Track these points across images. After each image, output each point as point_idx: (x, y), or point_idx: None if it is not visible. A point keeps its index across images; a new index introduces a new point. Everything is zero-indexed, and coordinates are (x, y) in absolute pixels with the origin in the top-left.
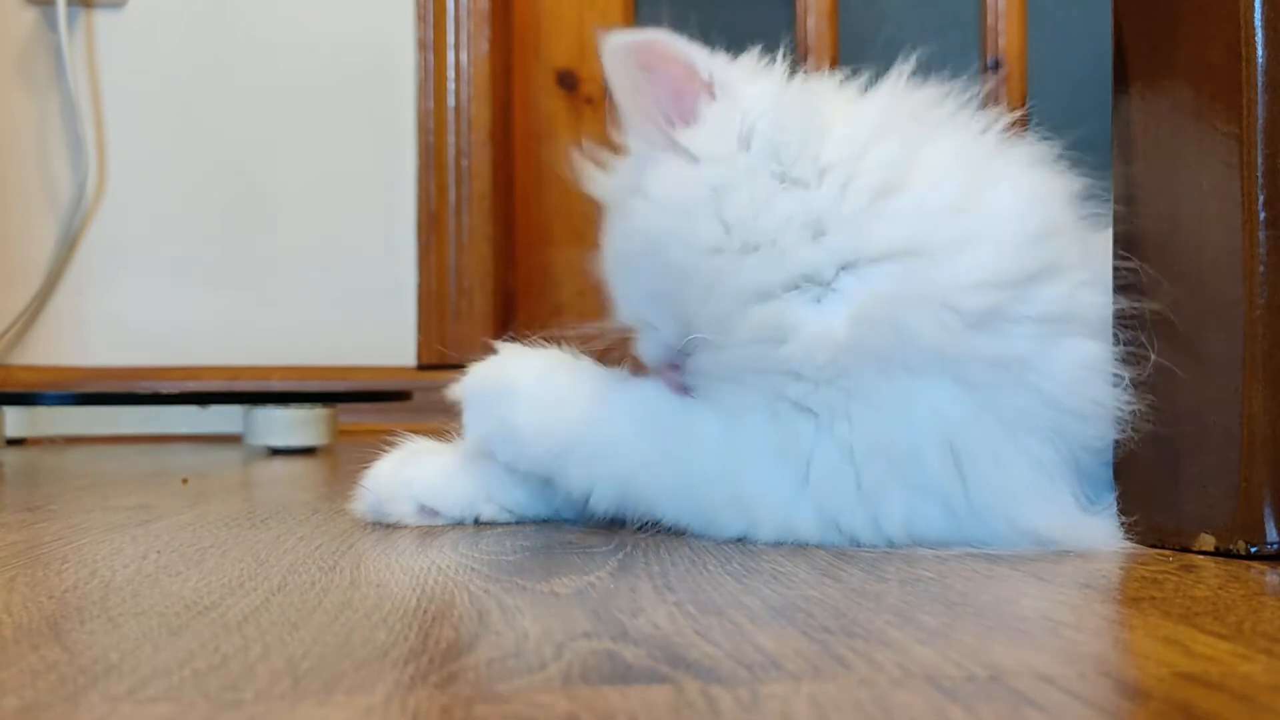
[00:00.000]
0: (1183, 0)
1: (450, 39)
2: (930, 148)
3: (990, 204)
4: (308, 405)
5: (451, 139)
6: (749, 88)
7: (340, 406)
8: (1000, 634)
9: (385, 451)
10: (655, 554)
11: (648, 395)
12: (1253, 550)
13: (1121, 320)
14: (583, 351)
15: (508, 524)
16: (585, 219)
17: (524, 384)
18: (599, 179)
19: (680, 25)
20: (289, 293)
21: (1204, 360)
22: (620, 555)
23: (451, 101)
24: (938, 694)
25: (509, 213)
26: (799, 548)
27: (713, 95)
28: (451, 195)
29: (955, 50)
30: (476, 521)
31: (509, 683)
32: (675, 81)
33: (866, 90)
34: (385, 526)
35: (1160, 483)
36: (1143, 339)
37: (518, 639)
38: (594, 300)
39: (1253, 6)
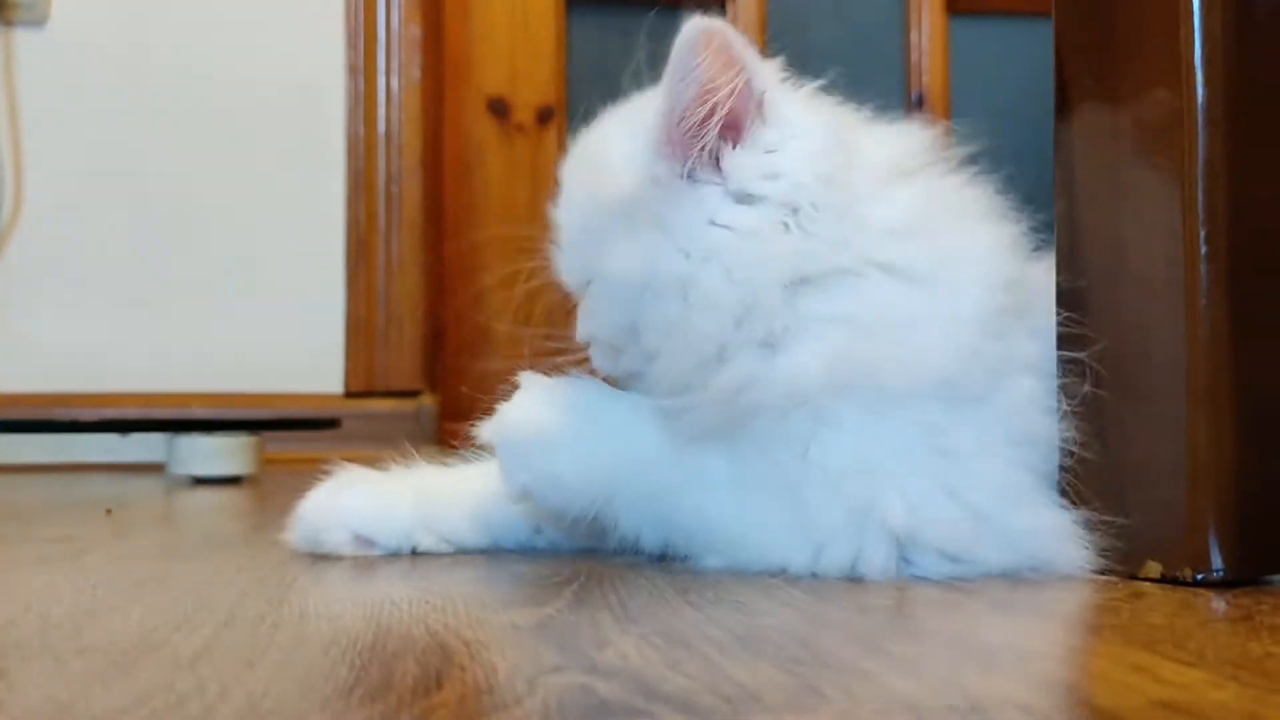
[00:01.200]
0: (1124, 40)
1: (381, 64)
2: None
3: (963, 275)
4: (233, 433)
5: (382, 164)
6: (796, 116)
7: (266, 434)
8: (971, 664)
9: (317, 480)
10: (610, 584)
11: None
12: (1198, 577)
13: (1065, 349)
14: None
15: (444, 554)
16: (515, 248)
17: (561, 430)
18: (615, 175)
19: (611, 54)
20: (213, 318)
21: (1148, 391)
22: (574, 586)
23: (382, 127)
24: None
25: (439, 241)
26: (750, 576)
27: (763, 116)
28: (381, 221)
29: (880, 86)
30: (414, 552)
31: (485, 718)
32: (739, 92)
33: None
34: (322, 557)
35: (1106, 511)
36: (1086, 369)
37: (485, 673)
38: (524, 333)
39: (1193, 46)
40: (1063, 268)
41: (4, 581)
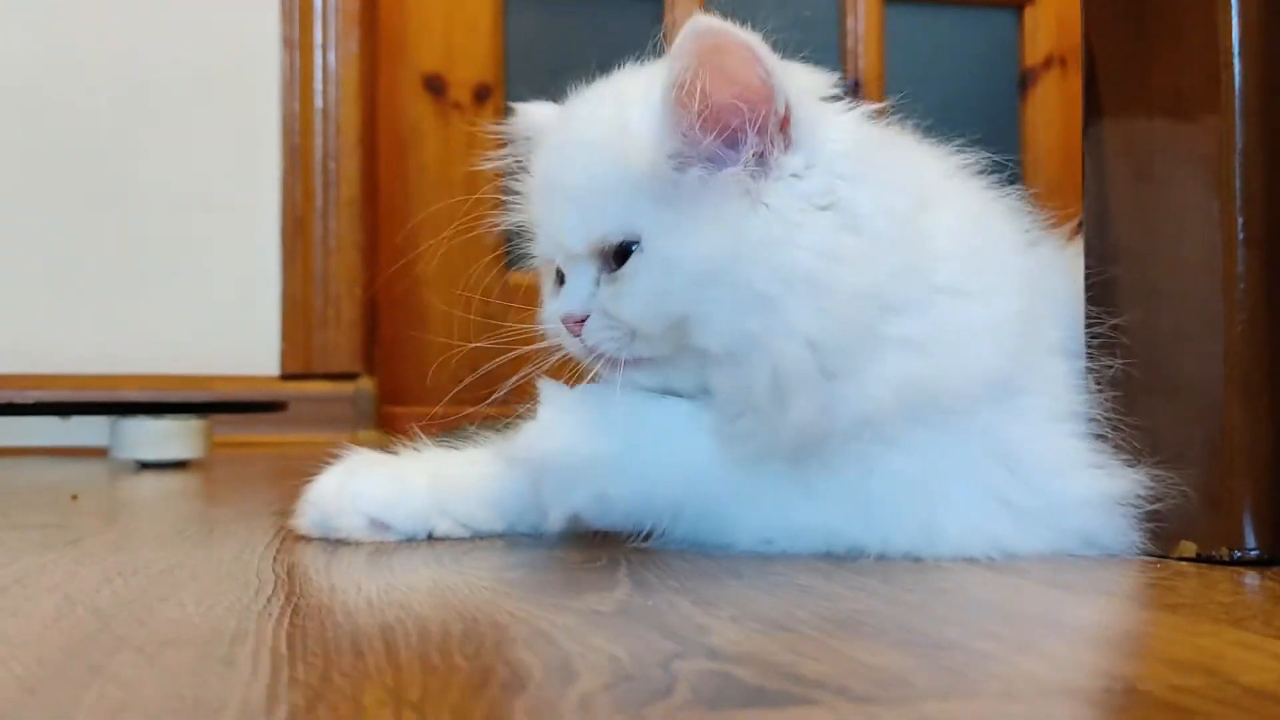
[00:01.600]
0: (1157, 27)
1: (317, 38)
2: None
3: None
4: (182, 416)
5: (319, 142)
6: (832, 137)
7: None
8: (1080, 644)
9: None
10: (656, 567)
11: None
12: (1235, 555)
13: (1094, 335)
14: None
15: (460, 539)
16: (456, 231)
17: (606, 449)
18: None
19: (549, 32)
20: (146, 300)
21: (1183, 375)
22: (622, 570)
23: (319, 103)
24: (1096, 709)
25: (375, 220)
26: (789, 559)
27: (787, 136)
28: (319, 200)
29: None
30: (429, 537)
31: (650, 708)
32: (752, 97)
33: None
34: (337, 542)
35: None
36: (1115, 351)
37: (609, 661)
38: (458, 314)
39: (1230, 33)
40: (1091, 254)
41: (20, 572)
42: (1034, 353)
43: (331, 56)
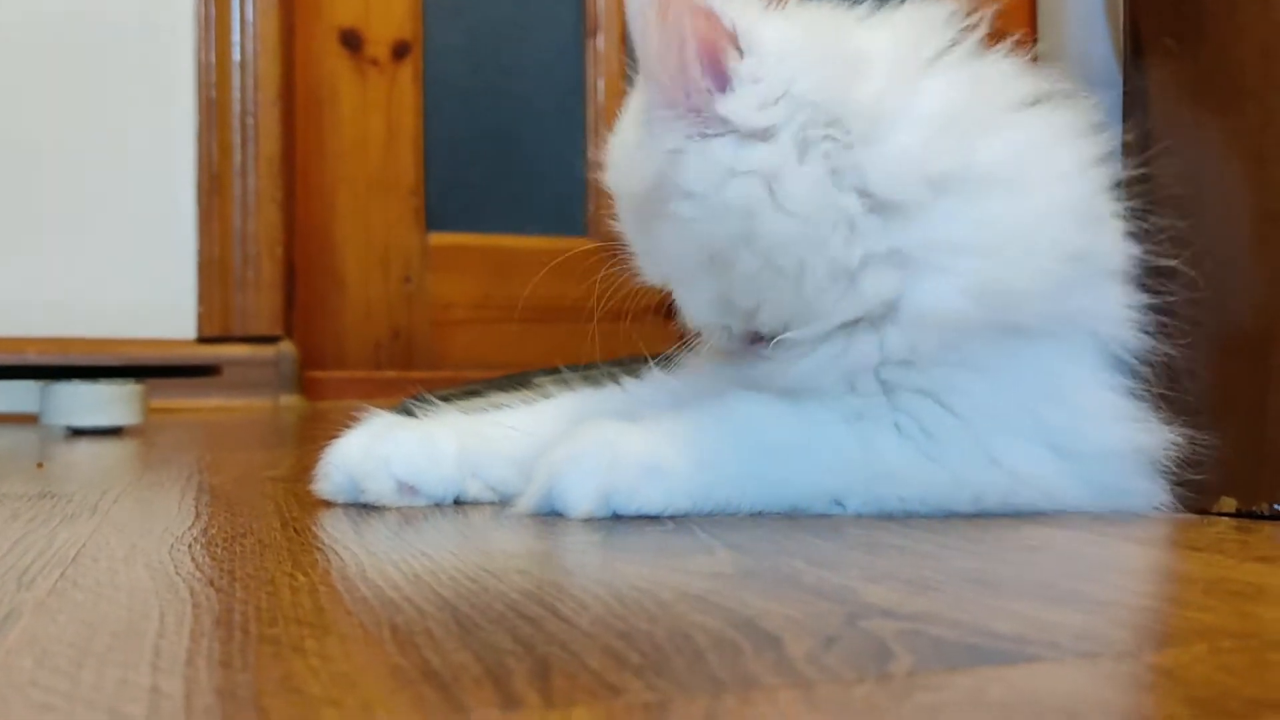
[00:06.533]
0: (1206, 3)
1: None
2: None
3: (1047, 166)
4: (119, 381)
5: (236, 95)
6: (773, 36)
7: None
8: (1221, 595)
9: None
10: (724, 529)
11: (756, 422)
12: (1277, 508)
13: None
14: None
15: (490, 503)
16: (370, 188)
17: (661, 463)
18: (621, 166)
19: None
20: (50, 258)
21: (1228, 335)
22: (695, 532)
23: (236, 55)
24: None
25: (292, 178)
26: (867, 520)
27: (739, 50)
28: (237, 156)
29: None
30: (457, 501)
31: (886, 667)
32: (703, 37)
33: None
34: (364, 506)
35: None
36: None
37: (790, 623)
38: (377, 277)
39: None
40: (1135, 209)
41: (60, 543)
42: (1096, 265)
43: (249, 7)
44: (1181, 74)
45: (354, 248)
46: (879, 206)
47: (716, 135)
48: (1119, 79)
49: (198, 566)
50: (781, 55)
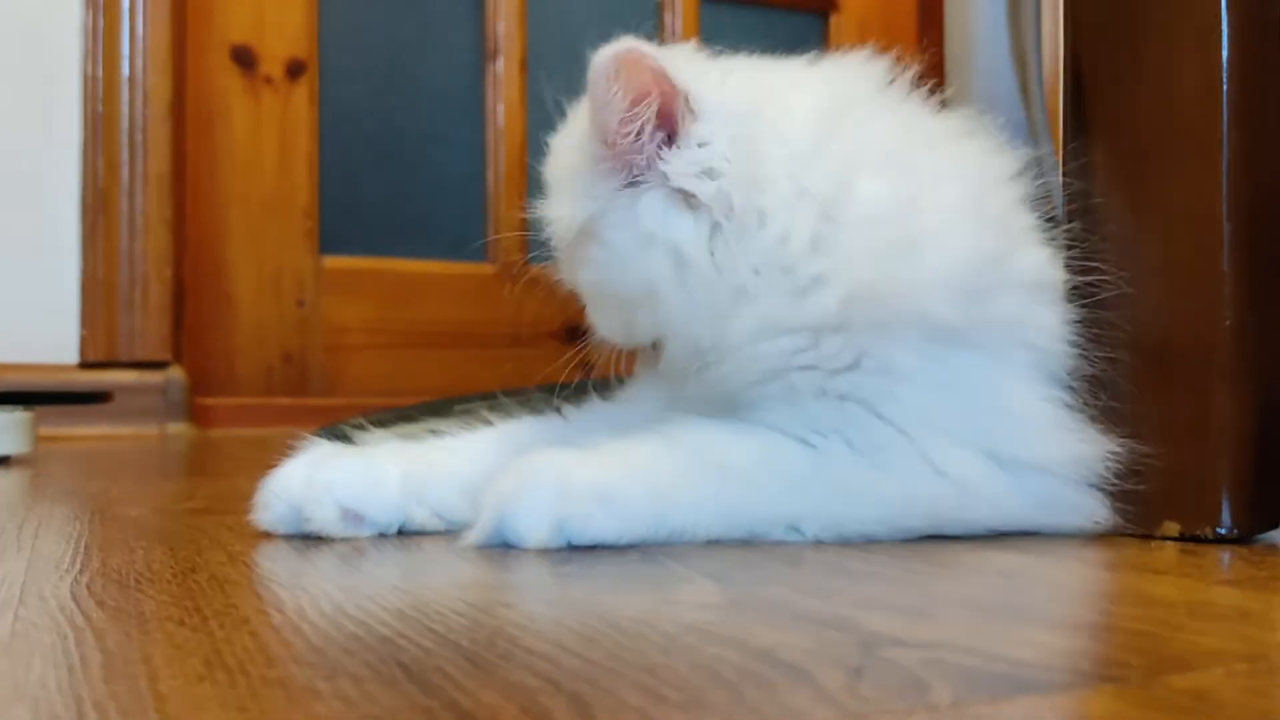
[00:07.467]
0: (1147, 37)
1: (125, 0)
2: (888, 140)
3: (949, 192)
4: (5, 407)
5: (125, 110)
6: (722, 102)
7: None
8: (1210, 619)
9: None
10: (689, 559)
11: (707, 447)
12: (1220, 532)
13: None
14: None
15: (436, 532)
16: (263, 209)
17: (614, 491)
18: (555, 176)
19: (365, 9)
20: None
21: (1172, 366)
22: (665, 563)
23: (125, 69)
24: None
25: (183, 198)
26: (827, 546)
27: (692, 111)
28: (124, 173)
29: None
30: (401, 532)
31: (928, 697)
32: (660, 99)
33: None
34: (315, 539)
35: (1124, 473)
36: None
37: (808, 655)
38: (269, 300)
39: (1220, 49)
40: (1074, 251)
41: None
42: (1013, 278)
43: (140, 19)
44: (1120, 105)
45: (246, 270)
46: (776, 271)
47: (649, 187)
48: (1022, 113)
49: (159, 605)
50: (728, 122)
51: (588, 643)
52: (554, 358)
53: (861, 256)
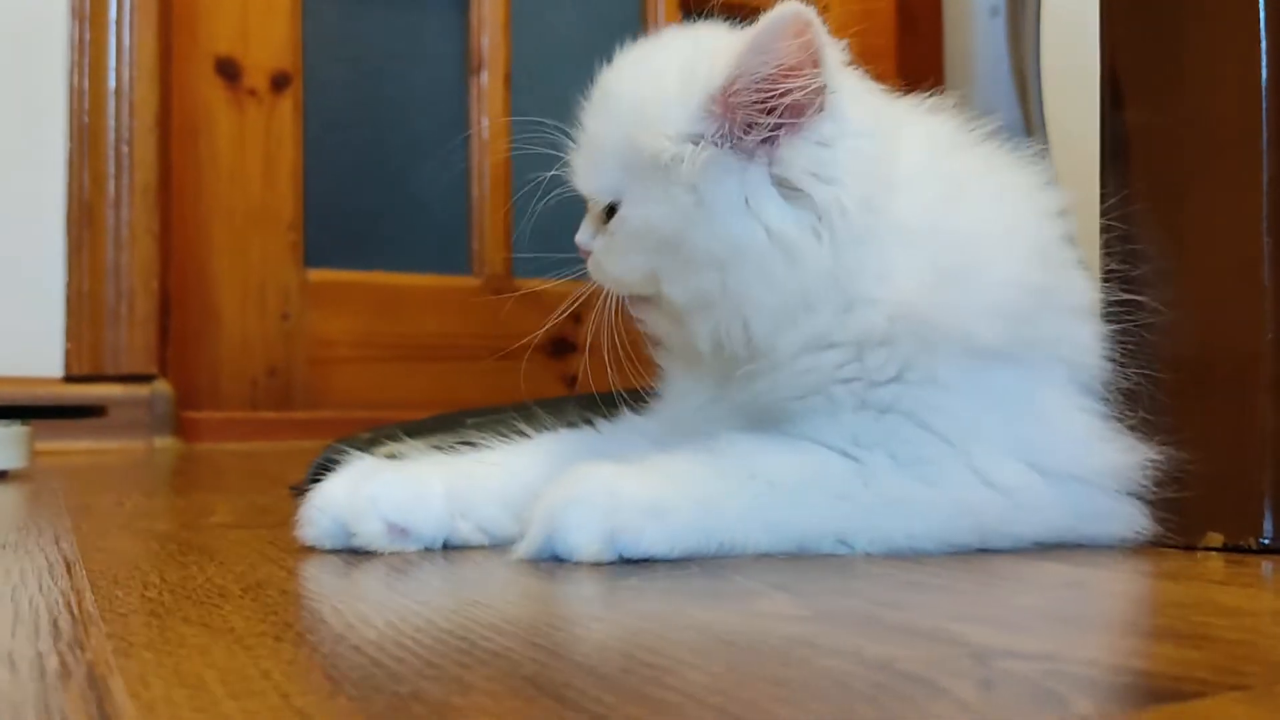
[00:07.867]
0: (1186, 51)
1: (112, 13)
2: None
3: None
4: (3, 421)
5: (111, 122)
6: (856, 116)
7: None
8: None
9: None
10: (750, 572)
11: (753, 460)
12: (1263, 542)
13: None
14: None
15: (480, 546)
16: (248, 222)
17: (664, 504)
18: (658, 119)
19: (350, 21)
20: None
21: (1214, 379)
22: (732, 575)
23: (112, 81)
24: None
25: (169, 210)
26: (880, 559)
27: (822, 109)
28: (111, 185)
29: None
30: (445, 546)
31: (1066, 707)
32: (811, 82)
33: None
34: (364, 555)
35: (1164, 484)
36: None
37: (924, 667)
38: (254, 313)
39: (1258, 70)
40: (1114, 261)
41: (53, 595)
42: (1059, 303)
43: (127, 31)
44: (1159, 123)
45: (230, 283)
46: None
47: (757, 161)
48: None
49: (245, 621)
50: (854, 133)
51: (701, 655)
52: (539, 371)
53: (917, 280)
